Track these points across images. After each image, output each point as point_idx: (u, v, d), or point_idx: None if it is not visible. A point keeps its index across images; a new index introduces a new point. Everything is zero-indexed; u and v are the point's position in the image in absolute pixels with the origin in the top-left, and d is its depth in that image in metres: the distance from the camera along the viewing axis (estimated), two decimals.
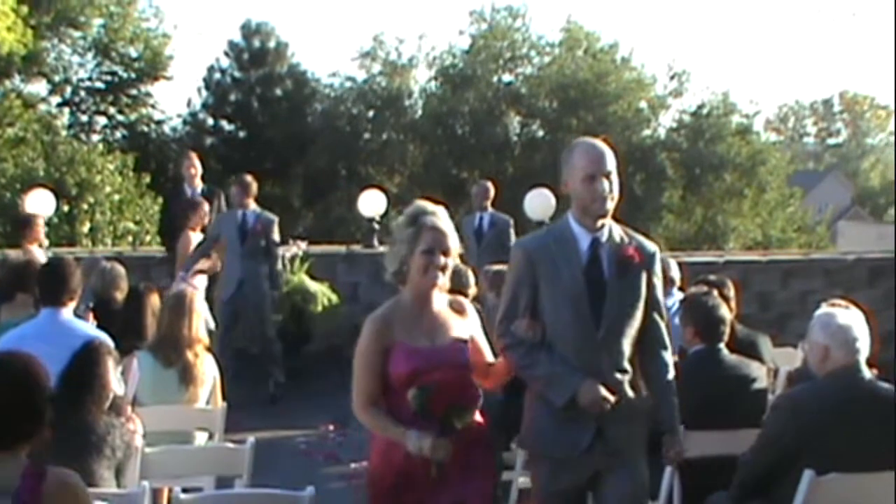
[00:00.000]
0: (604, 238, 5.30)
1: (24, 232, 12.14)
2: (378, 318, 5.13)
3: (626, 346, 5.27)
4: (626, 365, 5.29)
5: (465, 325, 5.26)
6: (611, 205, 5.28)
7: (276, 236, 12.62)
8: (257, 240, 12.41)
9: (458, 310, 5.29)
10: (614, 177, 5.32)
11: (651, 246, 5.45)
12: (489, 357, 5.40)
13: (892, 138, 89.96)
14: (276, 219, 12.69)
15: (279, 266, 12.88)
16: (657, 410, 5.41)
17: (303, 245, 14.17)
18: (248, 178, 12.99)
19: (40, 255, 11.28)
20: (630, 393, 5.28)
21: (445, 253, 5.03)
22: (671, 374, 5.43)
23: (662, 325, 5.43)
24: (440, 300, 5.19)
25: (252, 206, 12.60)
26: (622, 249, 5.30)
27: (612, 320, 5.21)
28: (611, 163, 5.32)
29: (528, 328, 5.27)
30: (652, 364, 5.40)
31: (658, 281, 5.42)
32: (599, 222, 5.30)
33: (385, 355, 5.02)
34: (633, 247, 5.34)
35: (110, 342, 6.13)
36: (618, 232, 5.38)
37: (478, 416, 5.23)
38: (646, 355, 5.39)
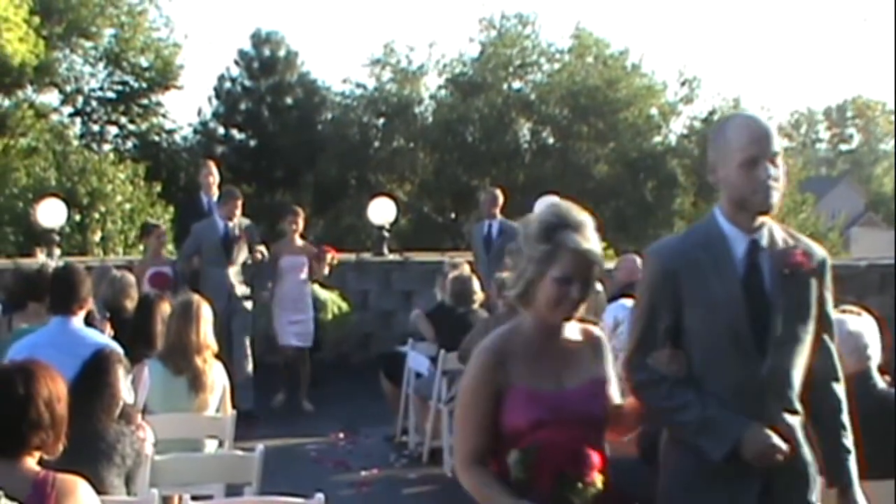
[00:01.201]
0: (764, 240, 4.20)
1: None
2: (490, 350, 4.03)
3: (797, 379, 4.21)
4: (797, 404, 4.22)
5: (600, 362, 4.16)
6: (777, 197, 4.16)
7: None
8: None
9: (591, 341, 4.18)
10: (781, 161, 4.21)
11: (820, 251, 4.35)
12: (616, 397, 4.25)
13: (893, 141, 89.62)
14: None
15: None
16: (828, 460, 4.33)
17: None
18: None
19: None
20: (803, 439, 4.23)
21: (586, 282, 3.94)
22: (845, 415, 4.38)
23: (834, 351, 4.42)
24: (571, 329, 4.10)
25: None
26: (788, 255, 4.21)
27: (780, 347, 4.14)
28: (777, 142, 4.19)
29: (670, 361, 4.21)
30: (823, 401, 4.33)
31: (829, 294, 4.34)
32: (759, 220, 4.20)
33: (498, 400, 3.95)
34: (800, 251, 4.23)
35: (121, 350, 6.14)
36: (780, 233, 4.27)
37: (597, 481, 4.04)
38: (816, 390, 4.30)
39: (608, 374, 4.14)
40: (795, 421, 4.18)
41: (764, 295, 4.14)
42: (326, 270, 13.23)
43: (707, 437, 4.08)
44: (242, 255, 12.34)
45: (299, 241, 12.67)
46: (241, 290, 12.31)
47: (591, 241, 3.92)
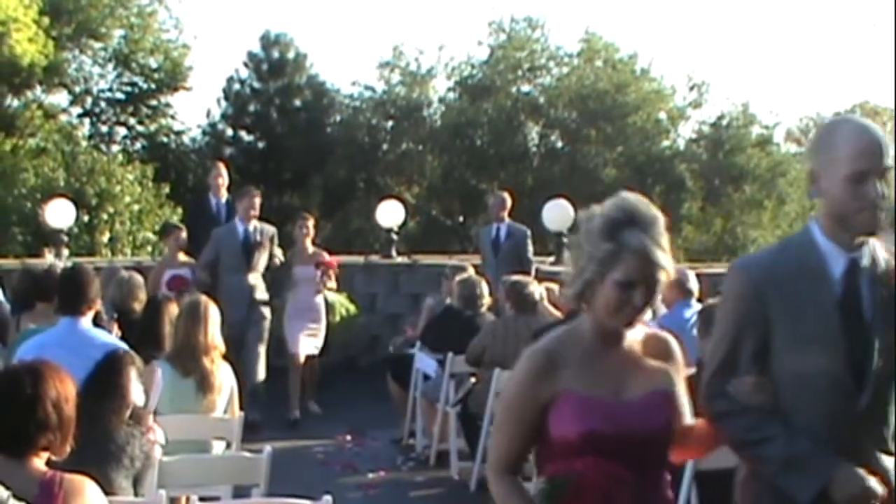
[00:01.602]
0: (865, 260, 3.79)
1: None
2: (541, 352, 3.66)
3: (893, 416, 3.80)
4: (892, 443, 3.79)
5: (669, 374, 3.72)
6: (884, 217, 3.77)
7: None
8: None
9: (659, 349, 3.77)
10: (892, 175, 3.79)
11: None
12: (687, 417, 3.80)
13: None
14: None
15: None
16: None
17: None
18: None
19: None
20: None
21: (651, 287, 3.55)
22: None
23: None
24: (636, 334, 3.73)
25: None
26: (890, 276, 3.77)
27: (879, 380, 3.73)
28: (890, 155, 3.76)
29: (754, 389, 3.77)
30: None
31: None
32: (860, 238, 3.79)
33: (546, 407, 3.56)
34: None
35: (133, 353, 6.13)
36: (882, 252, 3.85)
37: None
38: None
39: (677, 387, 3.72)
40: (891, 463, 3.76)
41: (862, 321, 3.74)
42: (333, 283, 13.07)
43: (793, 475, 3.70)
44: (263, 260, 12.07)
45: (311, 249, 12.57)
46: (262, 295, 12.07)
47: (659, 242, 3.56)
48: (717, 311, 4.07)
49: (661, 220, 3.63)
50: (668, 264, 3.56)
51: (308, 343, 12.27)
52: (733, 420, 3.79)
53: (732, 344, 3.84)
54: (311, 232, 12.56)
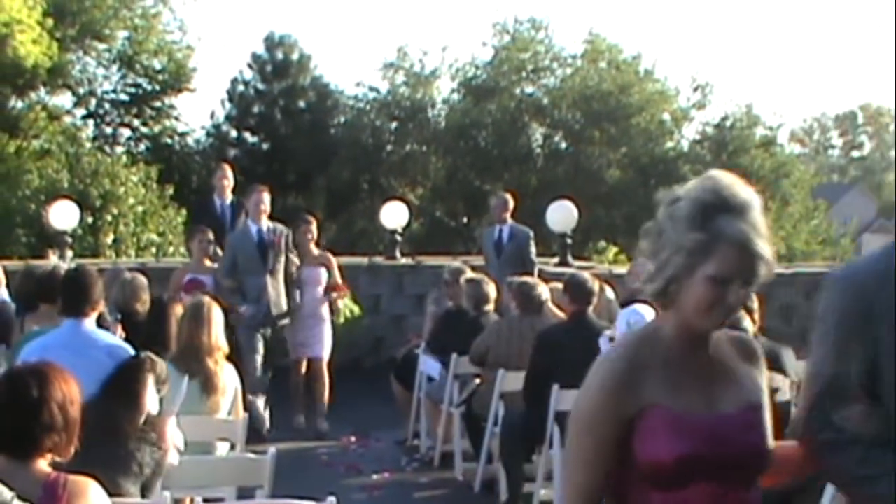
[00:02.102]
0: None
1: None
2: (620, 360, 3.16)
3: None
4: None
5: (756, 382, 3.26)
6: None
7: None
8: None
9: (747, 355, 3.30)
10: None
11: None
12: (770, 433, 3.25)
13: None
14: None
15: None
16: None
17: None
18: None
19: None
20: None
21: (748, 282, 3.05)
22: None
23: None
24: (722, 337, 3.24)
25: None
26: None
27: None
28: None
29: (864, 418, 3.22)
30: None
31: None
32: None
33: (628, 426, 3.05)
34: None
35: (156, 358, 6.10)
36: None
37: None
38: None
39: (764, 399, 3.25)
40: None
41: None
42: (344, 304, 12.45)
43: None
44: (281, 261, 11.52)
45: (316, 251, 12.17)
46: (282, 305, 11.54)
47: (758, 229, 3.06)
48: (817, 327, 3.51)
49: (757, 202, 3.10)
50: (769, 255, 3.07)
51: (313, 346, 12.06)
52: (842, 452, 3.25)
53: (837, 367, 3.31)
54: (315, 234, 12.29)
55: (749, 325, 6.63)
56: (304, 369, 11.94)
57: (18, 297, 9.40)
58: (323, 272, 11.94)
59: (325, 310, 11.93)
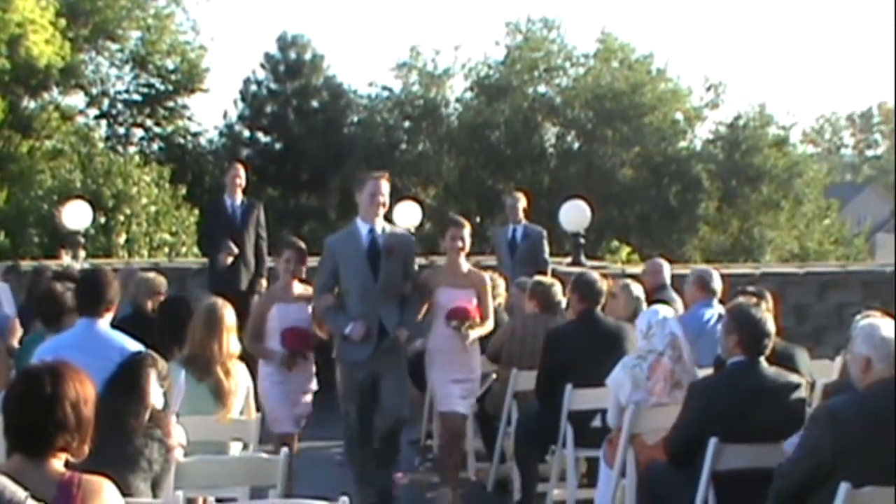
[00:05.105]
0: None
1: None
2: None
3: None
4: None
5: None
6: None
7: None
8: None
9: None
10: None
11: None
12: None
13: None
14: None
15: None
16: None
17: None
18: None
19: None
20: None
21: None
22: None
23: None
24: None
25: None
26: None
27: None
28: None
29: None
30: None
31: None
32: None
33: None
34: None
35: (156, 355, 6.11)
36: None
37: None
38: None
39: None
40: None
41: None
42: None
43: None
44: (397, 277, 8.57)
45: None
46: (403, 333, 8.58)
47: None
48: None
49: None
50: None
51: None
52: None
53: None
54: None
55: (772, 327, 6.56)
56: None
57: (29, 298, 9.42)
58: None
59: None
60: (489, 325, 8.79)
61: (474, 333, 8.61)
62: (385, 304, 8.42)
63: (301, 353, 8.48)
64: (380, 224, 8.50)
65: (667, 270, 10.59)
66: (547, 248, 13.48)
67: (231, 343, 7.29)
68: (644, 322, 7.48)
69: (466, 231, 8.76)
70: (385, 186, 8.55)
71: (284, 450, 6.23)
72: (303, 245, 8.90)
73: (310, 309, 8.65)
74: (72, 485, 3.73)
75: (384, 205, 8.53)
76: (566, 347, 8.26)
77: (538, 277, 10.08)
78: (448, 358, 8.75)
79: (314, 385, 8.86)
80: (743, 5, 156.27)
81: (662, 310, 7.59)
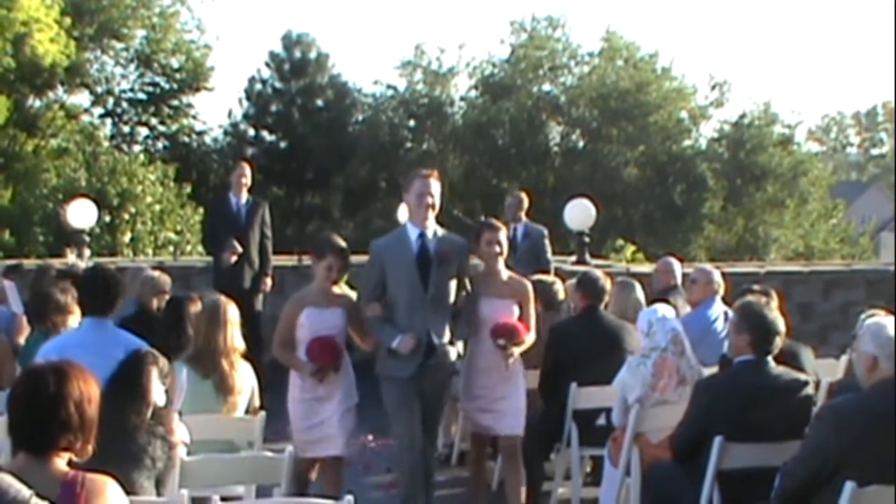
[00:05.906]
0: None
1: None
2: None
3: None
4: None
5: None
6: None
7: None
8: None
9: None
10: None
11: None
12: None
13: None
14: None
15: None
16: None
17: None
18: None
19: None
20: None
21: None
22: None
23: None
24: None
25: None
26: None
27: None
28: None
29: None
30: None
31: None
32: None
33: None
34: None
35: (157, 353, 6.12)
36: None
37: None
38: None
39: None
40: None
41: None
42: None
43: None
44: (449, 287, 7.76)
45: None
46: (452, 350, 7.87)
47: None
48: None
49: None
50: None
51: None
52: None
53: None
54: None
55: (783, 326, 6.55)
56: None
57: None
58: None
59: None
60: (531, 338, 7.95)
61: (518, 350, 7.81)
62: (435, 316, 7.61)
63: (332, 367, 7.81)
64: (431, 228, 7.71)
65: (678, 270, 10.51)
66: (549, 248, 13.44)
67: (235, 337, 7.28)
68: (644, 321, 7.49)
69: (503, 234, 8.07)
70: (435, 185, 7.71)
71: (289, 448, 6.23)
72: (345, 247, 7.94)
73: (346, 316, 7.84)
74: (75, 483, 3.73)
75: (434, 207, 7.68)
76: (569, 344, 8.26)
77: (539, 276, 10.05)
78: (493, 376, 7.93)
79: (354, 397, 8.14)
80: (748, 4, 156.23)
81: (663, 309, 7.60)
